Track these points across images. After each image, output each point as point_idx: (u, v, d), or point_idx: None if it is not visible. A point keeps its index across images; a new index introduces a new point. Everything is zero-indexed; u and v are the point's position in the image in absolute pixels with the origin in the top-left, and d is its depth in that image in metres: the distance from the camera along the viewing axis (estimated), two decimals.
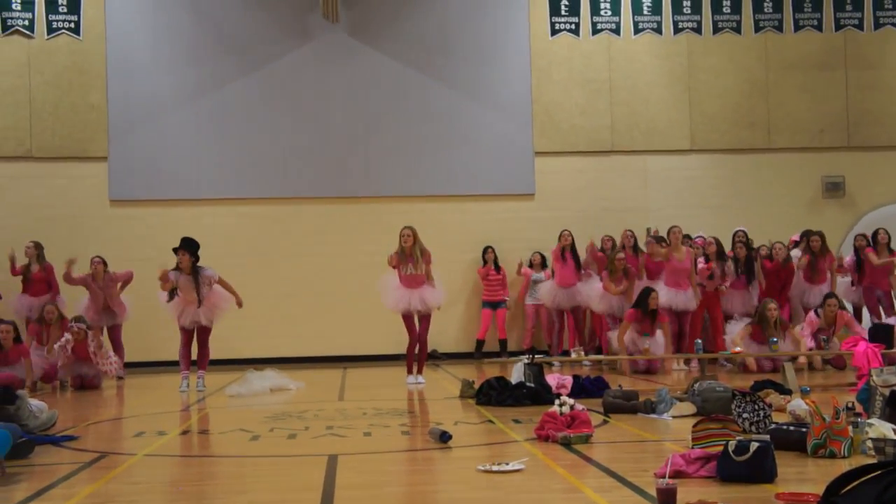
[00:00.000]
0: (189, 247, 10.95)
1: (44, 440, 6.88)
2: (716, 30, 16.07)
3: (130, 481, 5.65)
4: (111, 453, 6.61)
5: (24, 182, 14.92)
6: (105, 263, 13.01)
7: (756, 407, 6.59)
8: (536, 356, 9.81)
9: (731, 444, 4.99)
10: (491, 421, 7.69)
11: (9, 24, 14.97)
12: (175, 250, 10.96)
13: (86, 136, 15.09)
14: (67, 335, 11.45)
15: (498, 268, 15.00)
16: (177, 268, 10.92)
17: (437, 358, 14.36)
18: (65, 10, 15.10)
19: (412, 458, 6.51)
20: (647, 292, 12.12)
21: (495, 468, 5.41)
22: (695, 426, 5.88)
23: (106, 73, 15.14)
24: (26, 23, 15.01)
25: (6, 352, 11.01)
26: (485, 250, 15.04)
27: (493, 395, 8.77)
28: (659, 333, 12.13)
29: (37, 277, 13.22)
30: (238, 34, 15.45)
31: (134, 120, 15.14)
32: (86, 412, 9.40)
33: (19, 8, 14.98)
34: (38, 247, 13.29)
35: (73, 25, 15.13)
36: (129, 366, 13.26)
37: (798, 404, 6.90)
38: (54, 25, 15.08)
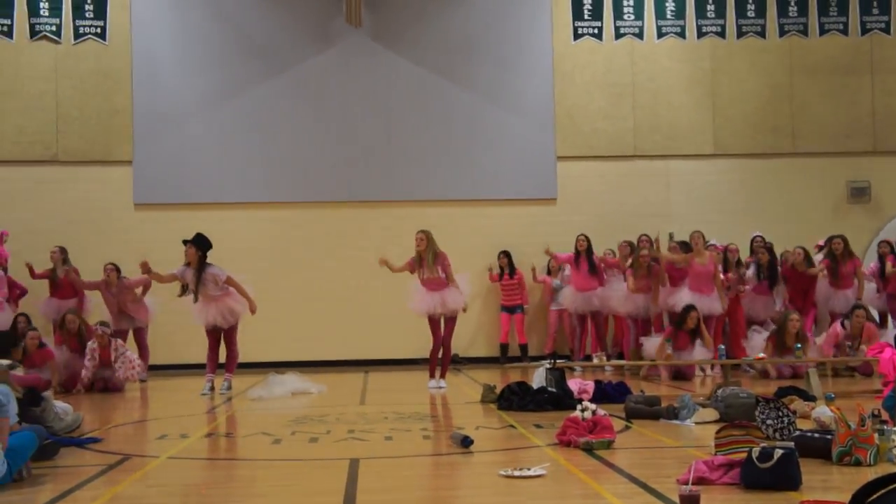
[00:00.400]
0: (197, 242, 10.96)
1: (69, 442, 6.93)
2: (740, 34, 15.98)
3: (154, 484, 5.68)
4: (135, 456, 6.63)
5: (50, 186, 15.04)
6: (118, 270, 13.05)
7: (780, 413, 6.55)
8: (558, 361, 9.78)
9: (755, 451, 4.95)
10: (512, 426, 7.67)
11: (37, 29, 15.11)
12: (184, 242, 11.01)
13: (111, 140, 15.20)
14: (93, 341, 11.55)
15: (513, 272, 14.95)
16: (188, 263, 10.95)
17: (458, 362, 14.35)
18: (91, 15, 15.22)
19: (434, 462, 6.50)
20: (688, 311, 11.80)
21: (517, 473, 5.39)
22: (718, 432, 5.84)
23: (131, 78, 15.25)
24: (54, 28, 15.13)
25: (31, 356, 11.10)
26: (498, 256, 15.02)
27: (515, 399, 8.76)
28: (698, 345, 11.88)
29: (63, 282, 13.32)
30: (262, 38, 15.52)
31: (158, 124, 15.22)
32: (109, 415, 9.47)
33: (47, 14, 15.11)
34: (63, 251, 13.38)
35: (99, 31, 15.25)
36: (152, 368, 13.32)
37: (823, 411, 6.83)
38: (81, 31, 15.20)
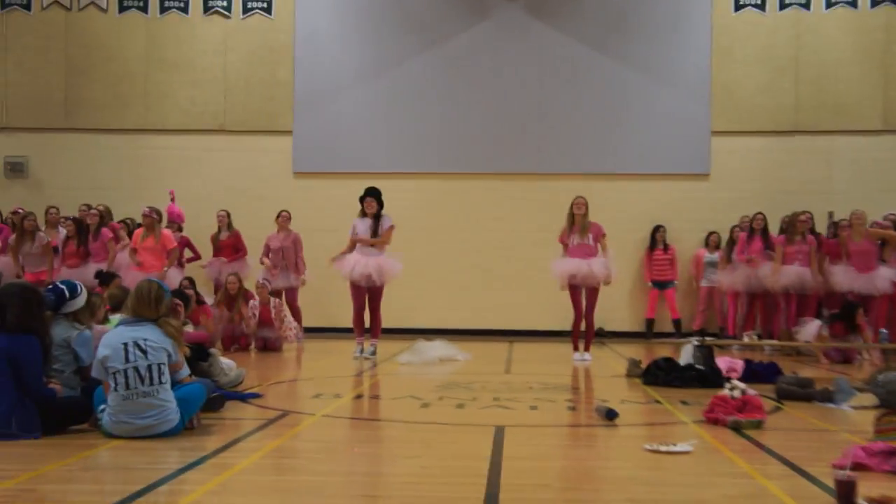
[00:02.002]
0: (376, 195, 11.14)
1: (232, 396, 7.27)
2: None
3: (310, 439, 5.91)
4: (292, 412, 6.88)
5: (216, 154, 15.68)
6: (290, 217, 13.56)
7: None
8: (707, 338, 9.59)
9: None
10: (658, 401, 7.59)
11: (209, 5, 15.75)
12: (361, 199, 11.16)
13: (273, 110, 15.71)
14: (255, 301, 12.05)
15: (667, 247, 14.75)
16: (366, 215, 11.13)
17: (603, 336, 14.25)
18: None
19: (578, 433, 6.52)
20: (853, 308, 11.22)
21: (663, 448, 5.35)
22: (879, 418, 5.57)
23: (293, 51, 15.69)
24: (224, 4, 15.74)
25: (191, 314, 11.52)
26: (653, 230, 14.86)
27: (661, 375, 8.64)
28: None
29: (225, 244, 13.89)
30: (418, 12, 15.68)
31: (318, 95, 15.63)
32: (268, 372, 9.84)
33: None
34: (228, 215, 13.98)
35: (265, 6, 15.75)
36: (306, 331, 13.63)
37: None
38: (248, 6, 15.75)
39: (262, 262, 13.36)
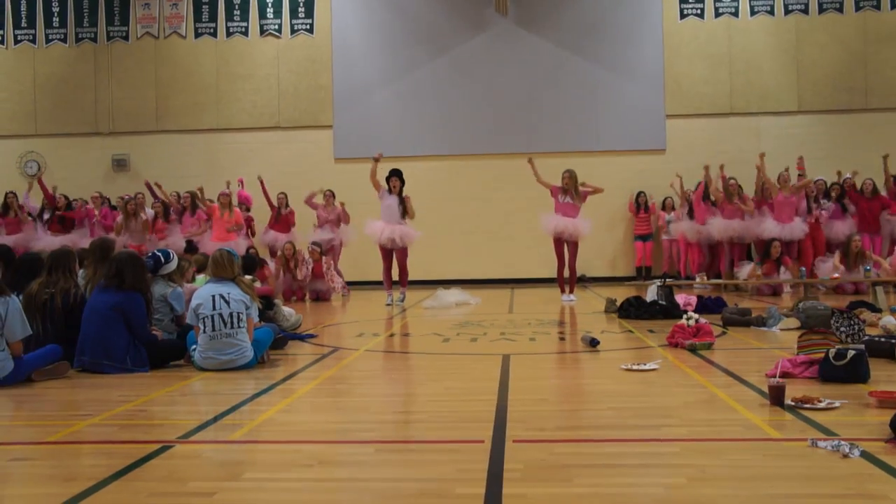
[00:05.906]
0: (399, 174, 11.00)
1: (294, 337, 7.28)
2: (821, 10, 14.91)
3: (356, 369, 5.90)
4: (341, 348, 6.88)
5: (273, 146, 15.63)
6: (334, 195, 13.38)
7: (852, 322, 6.26)
8: (668, 280, 9.54)
9: (832, 352, 4.75)
10: (630, 331, 7.58)
11: (264, 28, 15.63)
12: (387, 179, 11.03)
13: (317, 109, 15.61)
14: (308, 259, 12.01)
15: (646, 208, 14.64)
16: (390, 191, 10.97)
17: (585, 281, 14.21)
18: (303, 15, 15.62)
19: (568, 358, 6.50)
20: (769, 245, 11.35)
21: (635, 367, 5.35)
22: (800, 337, 5.61)
23: (332, 61, 15.56)
24: (276, 27, 15.61)
25: (256, 273, 11.41)
26: (637, 195, 14.75)
27: (632, 310, 8.63)
28: (783, 270, 11.45)
29: (284, 218, 13.82)
30: (430, 27, 15.51)
31: (352, 96, 15.52)
32: (321, 318, 9.80)
33: (271, 16, 15.63)
34: (286, 196, 13.92)
35: (308, 27, 15.60)
36: (348, 285, 13.56)
37: (888, 320, 6.51)
38: (295, 27, 15.61)
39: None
